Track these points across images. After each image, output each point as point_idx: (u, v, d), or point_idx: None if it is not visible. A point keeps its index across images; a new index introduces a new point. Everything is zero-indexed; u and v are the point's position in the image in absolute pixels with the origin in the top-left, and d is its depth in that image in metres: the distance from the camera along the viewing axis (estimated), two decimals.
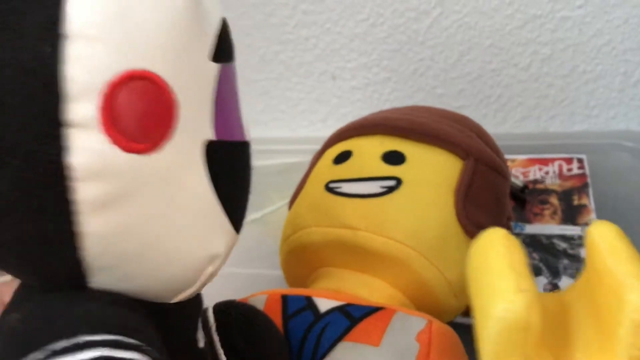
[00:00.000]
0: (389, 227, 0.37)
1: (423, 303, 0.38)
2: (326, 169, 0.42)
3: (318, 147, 0.46)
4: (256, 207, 0.64)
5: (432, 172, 0.39)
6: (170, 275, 0.23)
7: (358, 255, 0.38)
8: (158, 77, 0.20)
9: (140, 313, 0.22)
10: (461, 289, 0.38)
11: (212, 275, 0.24)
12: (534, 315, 0.22)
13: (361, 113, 0.52)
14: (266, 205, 0.63)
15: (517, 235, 0.53)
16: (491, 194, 0.41)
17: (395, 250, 0.37)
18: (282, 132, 0.75)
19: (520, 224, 0.54)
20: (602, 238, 0.25)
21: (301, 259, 0.41)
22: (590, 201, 0.54)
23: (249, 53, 0.72)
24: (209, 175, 0.23)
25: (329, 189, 0.40)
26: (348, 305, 0.36)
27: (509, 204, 0.43)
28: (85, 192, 0.20)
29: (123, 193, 0.20)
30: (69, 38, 0.19)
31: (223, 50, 0.24)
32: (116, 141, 0.20)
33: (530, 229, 0.53)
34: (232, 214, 0.24)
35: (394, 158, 0.40)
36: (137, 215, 0.21)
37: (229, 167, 0.24)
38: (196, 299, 0.27)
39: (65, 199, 0.20)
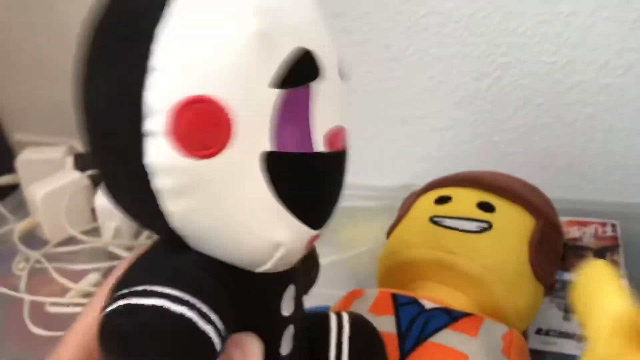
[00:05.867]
0: (480, 257, 0.45)
1: (494, 321, 0.45)
2: (429, 206, 0.51)
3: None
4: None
5: (514, 223, 0.49)
6: (241, 253, 0.26)
7: (452, 274, 0.46)
8: (215, 100, 0.23)
9: (221, 278, 0.26)
10: (526, 315, 0.47)
11: (283, 258, 0.27)
12: None
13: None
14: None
15: (557, 280, 0.61)
16: (553, 247, 0.51)
17: (483, 275, 0.45)
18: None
19: (560, 271, 0.61)
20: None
21: (402, 272, 0.49)
22: (620, 259, 0.60)
23: None
24: (269, 180, 0.25)
25: (433, 221, 0.49)
26: (446, 307, 0.43)
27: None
28: (160, 183, 0.24)
29: (190, 187, 0.24)
30: (151, 70, 0.23)
31: (292, 77, 0.25)
32: (177, 148, 0.23)
33: (568, 276, 0.60)
34: (300, 212, 0.27)
35: (486, 207, 0.49)
36: (205, 203, 0.25)
37: (290, 175, 0.26)
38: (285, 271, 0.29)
39: (148, 187, 0.24)
